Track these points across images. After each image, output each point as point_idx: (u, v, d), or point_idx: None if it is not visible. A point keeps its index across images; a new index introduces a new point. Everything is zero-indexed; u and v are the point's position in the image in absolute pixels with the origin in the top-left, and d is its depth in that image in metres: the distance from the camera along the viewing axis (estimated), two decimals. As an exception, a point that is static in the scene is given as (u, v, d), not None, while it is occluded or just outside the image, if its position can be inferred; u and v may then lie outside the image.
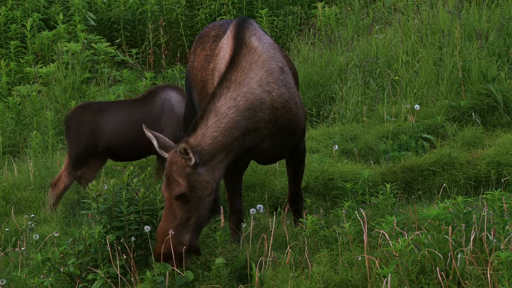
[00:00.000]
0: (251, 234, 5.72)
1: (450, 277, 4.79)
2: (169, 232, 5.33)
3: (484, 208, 5.17)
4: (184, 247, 5.37)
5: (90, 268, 5.55)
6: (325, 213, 6.71)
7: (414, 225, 5.48)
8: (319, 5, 12.55)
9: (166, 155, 5.56)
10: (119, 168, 8.58)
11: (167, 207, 5.42)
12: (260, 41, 5.81)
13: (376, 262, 4.91)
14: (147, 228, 5.51)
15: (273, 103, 5.70)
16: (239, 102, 5.58)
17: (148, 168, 6.21)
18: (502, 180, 7.29)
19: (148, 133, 5.62)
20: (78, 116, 7.79)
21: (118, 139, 7.67)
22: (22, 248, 6.23)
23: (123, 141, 7.66)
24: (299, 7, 13.31)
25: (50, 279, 5.54)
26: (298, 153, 6.08)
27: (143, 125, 5.77)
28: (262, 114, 5.67)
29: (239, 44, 5.72)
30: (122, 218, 5.60)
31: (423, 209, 5.72)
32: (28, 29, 12.77)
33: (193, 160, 5.41)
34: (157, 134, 5.64)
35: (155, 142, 5.60)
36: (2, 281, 5.60)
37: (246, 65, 5.68)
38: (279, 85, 5.74)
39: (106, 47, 12.51)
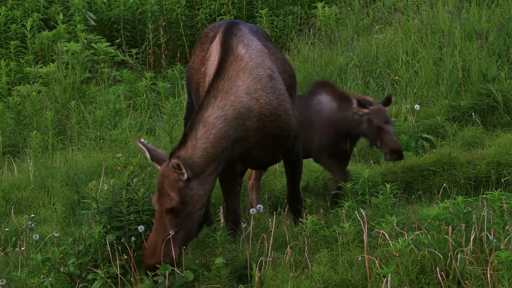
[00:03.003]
0: (251, 234, 5.71)
1: (450, 277, 4.79)
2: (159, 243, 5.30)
3: (484, 208, 5.17)
4: (171, 259, 5.33)
5: (90, 268, 5.55)
6: (325, 213, 6.71)
7: (414, 225, 5.48)
8: (319, 5, 12.54)
9: (158, 167, 5.52)
10: (119, 168, 8.56)
11: (157, 219, 5.40)
12: (247, 48, 5.73)
13: (376, 262, 4.90)
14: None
15: (261, 110, 5.64)
16: (227, 111, 5.53)
17: (148, 168, 6.20)
18: (502, 180, 7.29)
19: (140, 145, 5.57)
20: None
21: None
22: (22, 248, 6.22)
23: None
24: (299, 7, 13.29)
25: (50, 279, 5.53)
26: (292, 157, 6.05)
27: (136, 138, 5.75)
28: (251, 122, 5.62)
29: (226, 52, 5.67)
30: (122, 218, 5.60)
31: (423, 209, 5.72)
32: (28, 29, 12.76)
33: (185, 175, 5.37)
34: (149, 146, 5.60)
35: (147, 154, 5.55)
36: (2, 281, 5.60)
37: (233, 73, 5.62)
38: (267, 92, 5.67)
39: (106, 47, 12.49)
